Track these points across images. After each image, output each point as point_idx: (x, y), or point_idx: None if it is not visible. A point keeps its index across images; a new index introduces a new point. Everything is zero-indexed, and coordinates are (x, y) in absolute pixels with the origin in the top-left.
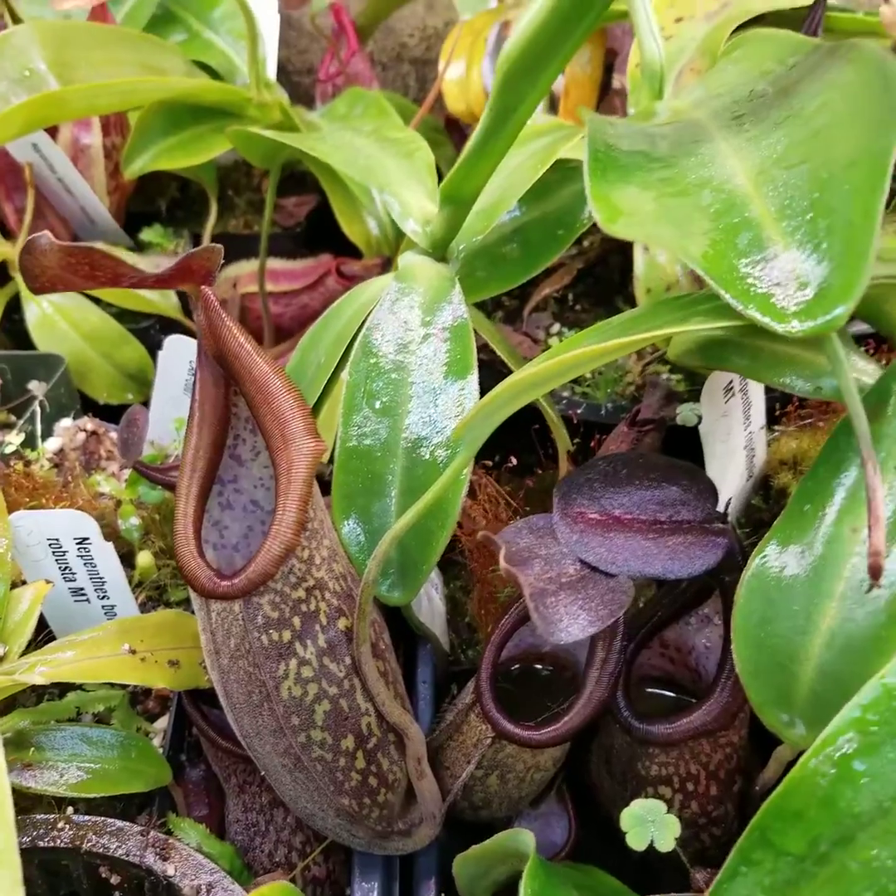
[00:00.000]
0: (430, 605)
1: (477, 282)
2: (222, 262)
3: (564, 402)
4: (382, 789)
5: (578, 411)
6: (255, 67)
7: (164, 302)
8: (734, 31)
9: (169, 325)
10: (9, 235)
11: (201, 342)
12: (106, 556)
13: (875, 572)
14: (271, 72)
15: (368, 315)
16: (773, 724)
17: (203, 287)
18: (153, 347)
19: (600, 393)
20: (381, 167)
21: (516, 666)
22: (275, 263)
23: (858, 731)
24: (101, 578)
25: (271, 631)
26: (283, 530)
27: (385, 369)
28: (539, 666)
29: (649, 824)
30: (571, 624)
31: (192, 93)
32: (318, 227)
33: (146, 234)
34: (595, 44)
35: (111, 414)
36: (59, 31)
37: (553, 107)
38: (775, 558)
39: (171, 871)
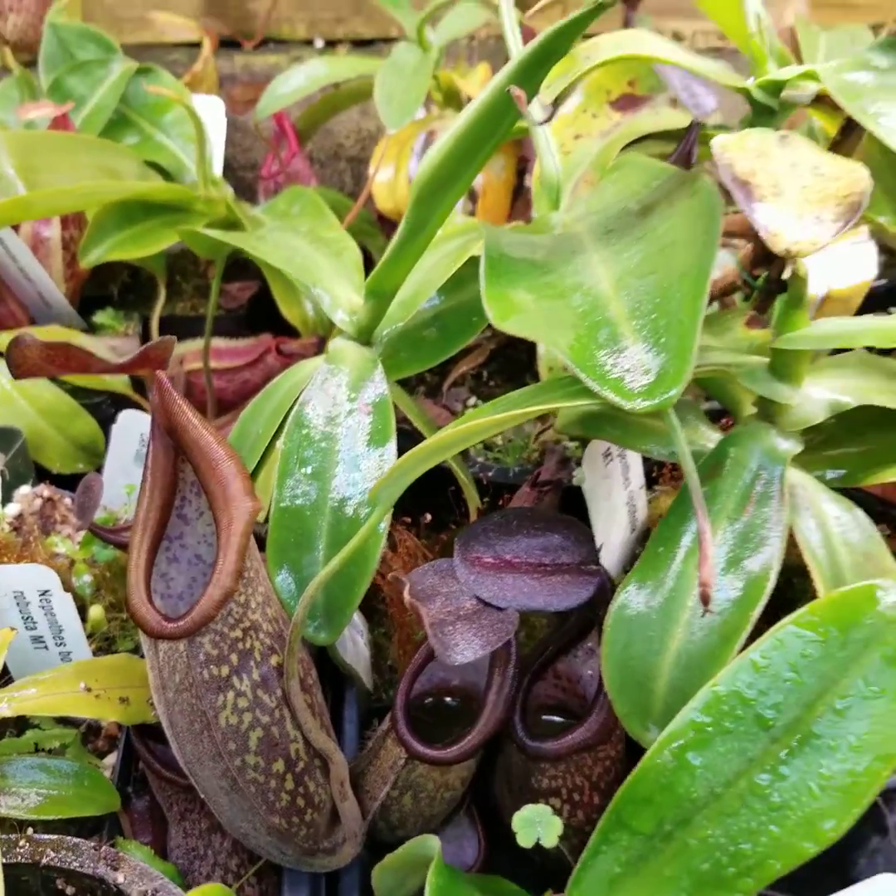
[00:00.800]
0: (355, 648)
1: (400, 361)
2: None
3: (478, 466)
4: (309, 809)
5: (489, 474)
6: (202, 168)
7: (115, 379)
8: (626, 146)
9: (120, 401)
10: None
11: (155, 417)
12: (65, 606)
13: (704, 600)
14: (218, 169)
15: (302, 392)
16: (635, 731)
17: (158, 372)
18: (105, 421)
19: (509, 458)
20: (315, 265)
21: (430, 699)
22: (219, 342)
23: (694, 729)
24: (60, 627)
25: (212, 666)
26: (223, 578)
27: (315, 439)
28: (449, 699)
29: (536, 825)
30: (466, 648)
31: (145, 193)
32: (258, 310)
33: (99, 317)
34: (508, 154)
35: (62, 482)
36: (25, 140)
37: (474, 200)
38: (635, 593)
39: (120, 879)
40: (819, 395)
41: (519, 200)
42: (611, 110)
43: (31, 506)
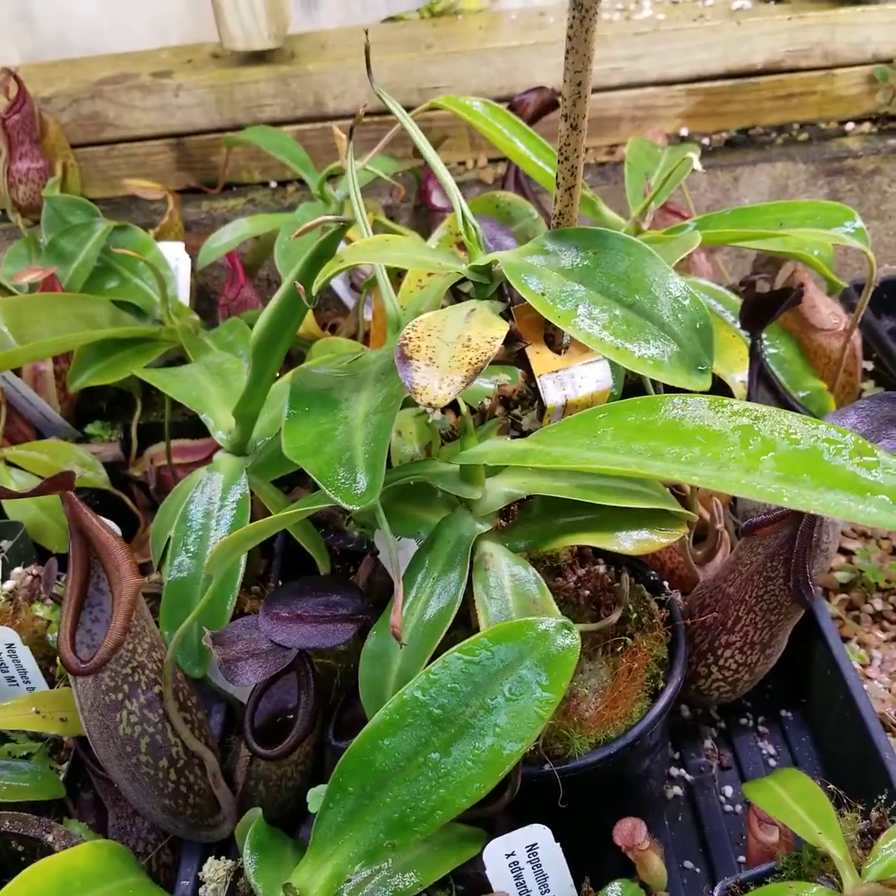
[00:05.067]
0: None
1: (273, 466)
2: (144, 445)
3: (342, 539)
4: (191, 795)
5: (349, 546)
6: (164, 306)
7: (96, 477)
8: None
9: (101, 495)
10: None
11: (70, 522)
12: (25, 655)
13: (396, 636)
14: (184, 300)
15: (190, 492)
16: None
17: (67, 492)
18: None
19: (371, 532)
20: (206, 395)
21: (279, 719)
22: (184, 442)
23: (386, 723)
24: (24, 670)
25: (111, 693)
26: (115, 633)
27: (195, 529)
28: (291, 716)
29: (320, 796)
30: (251, 674)
31: (113, 335)
32: None
33: (90, 428)
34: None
35: (62, 559)
36: (15, 303)
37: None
38: (377, 636)
39: (50, 839)
40: (500, 489)
41: None
42: (458, 250)
43: (24, 582)
